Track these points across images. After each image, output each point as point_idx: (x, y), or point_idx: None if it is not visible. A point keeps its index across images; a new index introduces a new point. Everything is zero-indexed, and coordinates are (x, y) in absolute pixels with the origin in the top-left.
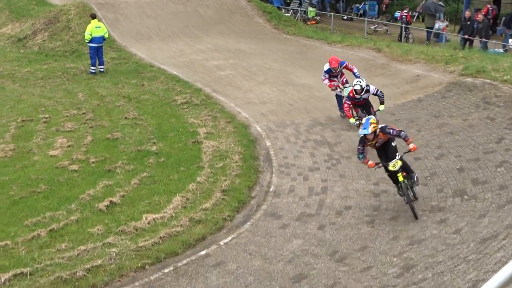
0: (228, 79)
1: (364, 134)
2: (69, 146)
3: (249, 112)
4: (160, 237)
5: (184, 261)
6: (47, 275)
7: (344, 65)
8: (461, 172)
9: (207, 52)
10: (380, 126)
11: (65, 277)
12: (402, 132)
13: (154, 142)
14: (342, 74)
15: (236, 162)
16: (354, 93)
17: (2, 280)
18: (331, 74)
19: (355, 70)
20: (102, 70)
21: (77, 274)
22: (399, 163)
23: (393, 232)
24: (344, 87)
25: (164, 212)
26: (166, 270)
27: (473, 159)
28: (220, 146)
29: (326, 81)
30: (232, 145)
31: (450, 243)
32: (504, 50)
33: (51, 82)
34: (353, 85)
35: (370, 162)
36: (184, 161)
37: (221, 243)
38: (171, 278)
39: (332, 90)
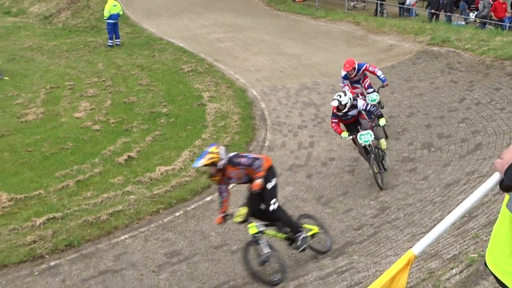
0: (227, 50)
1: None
2: (91, 109)
3: (246, 78)
4: (172, 186)
5: (193, 206)
6: (75, 219)
7: (363, 68)
8: (428, 128)
9: (209, 26)
10: (229, 155)
11: (91, 220)
12: (257, 162)
13: (165, 105)
14: (365, 77)
15: (236, 121)
16: (336, 110)
17: (38, 223)
18: (351, 79)
19: (378, 73)
20: (118, 43)
21: (101, 217)
22: (244, 211)
23: (370, 179)
24: (368, 93)
25: (175, 165)
26: (177, 214)
27: (439, 116)
28: (221, 108)
29: (346, 88)
30: (232, 107)
31: (419, 188)
32: (465, 22)
33: (74, 54)
34: (332, 99)
35: (218, 216)
36: (191, 121)
37: None
38: (181, 220)
39: None
